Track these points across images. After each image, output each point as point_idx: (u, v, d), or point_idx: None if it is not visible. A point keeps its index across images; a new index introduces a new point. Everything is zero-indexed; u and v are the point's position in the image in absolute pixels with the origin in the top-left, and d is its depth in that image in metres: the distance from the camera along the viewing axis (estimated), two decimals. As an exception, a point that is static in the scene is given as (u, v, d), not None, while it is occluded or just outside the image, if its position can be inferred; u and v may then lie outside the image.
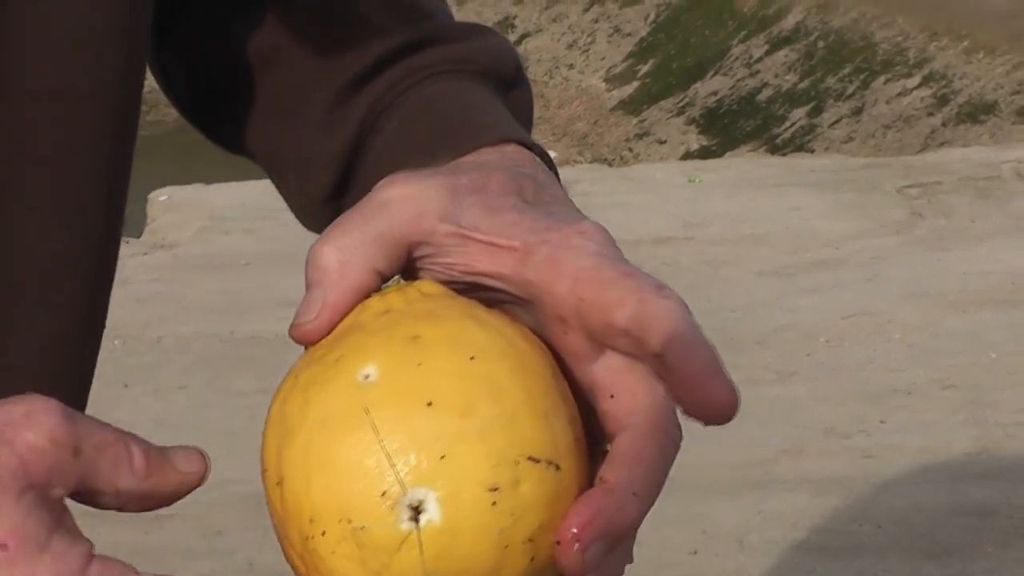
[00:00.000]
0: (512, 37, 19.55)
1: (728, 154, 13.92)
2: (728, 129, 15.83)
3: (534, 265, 0.59)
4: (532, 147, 0.69)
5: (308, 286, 0.58)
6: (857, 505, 3.61)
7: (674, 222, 6.63)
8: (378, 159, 0.74)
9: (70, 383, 0.73)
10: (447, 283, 0.60)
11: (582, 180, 7.60)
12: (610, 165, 11.57)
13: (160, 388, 4.40)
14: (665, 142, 16.14)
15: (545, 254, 0.59)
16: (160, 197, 6.87)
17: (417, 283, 0.59)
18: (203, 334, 5.04)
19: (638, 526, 0.58)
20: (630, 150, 16.17)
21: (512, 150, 0.67)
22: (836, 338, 5.04)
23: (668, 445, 0.58)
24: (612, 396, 0.58)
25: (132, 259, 6.30)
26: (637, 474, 0.57)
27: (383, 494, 0.55)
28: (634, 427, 0.57)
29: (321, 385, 0.56)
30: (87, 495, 0.56)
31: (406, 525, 0.55)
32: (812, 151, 13.43)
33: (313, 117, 0.78)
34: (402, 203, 0.59)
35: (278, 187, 0.82)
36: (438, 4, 0.81)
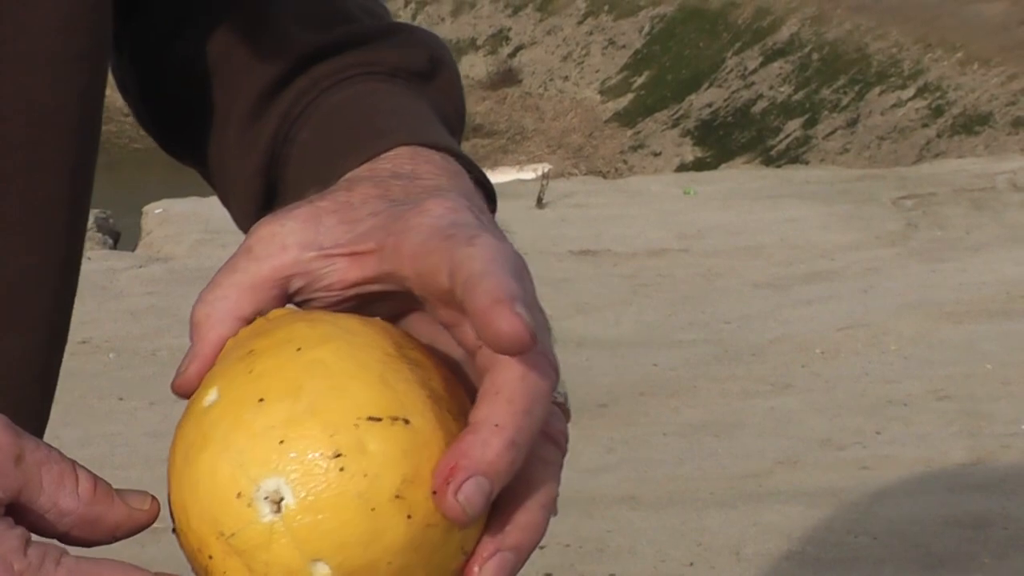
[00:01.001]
0: (507, 50, 19.57)
1: (723, 166, 13.92)
2: (723, 141, 15.85)
3: (387, 258, 0.60)
4: (428, 144, 0.69)
5: (191, 342, 0.61)
6: (852, 516, 3.61)
7: (669, 234, 6.63)
8: (296, 168, 0.75)
9: (33, 397, 0.73)
10: (334, 305, 0.62)
11: (577, 192, 7.60)
12: (605, 177, 11.58)
13: (156, 401, 4.40)
14: (660, 154, 16.15)
15: (391, 244, 0.60)
16: (155, 210, 6.87)
17: (268, 314, 0.61)
18: (198, 347, 5.04)
19: (510, 462, 0.55)
20: (625, 162, 16.17)
21: (394, 155, 0.68)
22: (831, 349, 5.04)
23: (530, 376, 0.56)
24: (480, 349, 0.58)
25: (127, 272, 6.30)
26: (497, 407, 0.56)
27: (238, 496, 0.55)
28: (494, 365, 0.57)
29: (183, 422, 0.59)
30: (27, 509, 0.56)
31: (268, 517, 0.55)
32: (807, 163, 13.44)
33: (233, 131, 0.79)
34: (263, 244, 0.61)
35: (223, 203, 0.83)
36: (366, 7, 0.82)
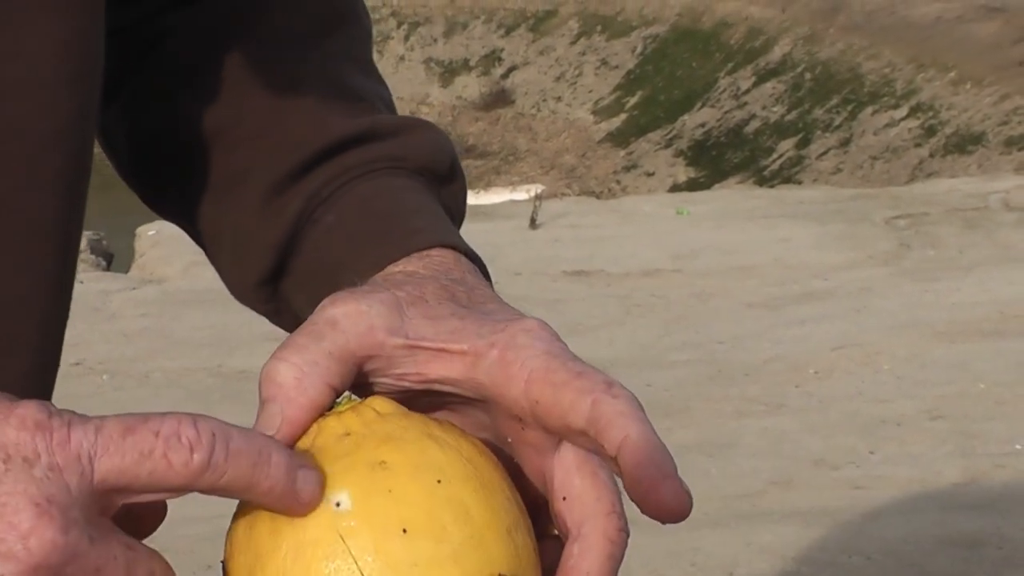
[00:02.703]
0: (499, 70, 19.61)
1: (716, 186, 13.94)
2: (716, 161, 15.88)
3: (485, 369, 0.61)
4: (460, 248, 0.71)
5: (264, 402, 0.60)
6: (846, 536, 3.61)
7: (662, 254, 6.64)
8: (315, 248, 0.76)
9: None
10: (400, 392, 0.63)
11: (570, 213, 7.61)
12: (598, 197, 11.59)
13: (149, 423, 4.40)
14: (653, 174, 16.17)
15: (494, 357, 0.61)
16: (148, 232, 6.87)
17: (370, 401, 0.61)
18: (192, 369, 5.04)
19: None
20: (618, 182, 16.20)
21: (438, 254, 0.70)
22: (825, 369, 5.05)
23: (616, 553, 0.61)
24: (564, 499, 0.61)
25: (120, 294, 6.30)
26: None
27: None
28: (584, 537, 0.60)
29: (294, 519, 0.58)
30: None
31: None
32: (800, 183, 13.47)
33: (252, 202, 0.79)
34: (351, 320, 0.61)
35: (211, 260, 0.84)
36: (381, 95, 0.84)
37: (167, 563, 0.57)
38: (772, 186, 12.68)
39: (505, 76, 19.49)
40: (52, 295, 0.74)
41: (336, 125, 0.79)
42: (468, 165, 16.17)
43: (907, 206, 7.30)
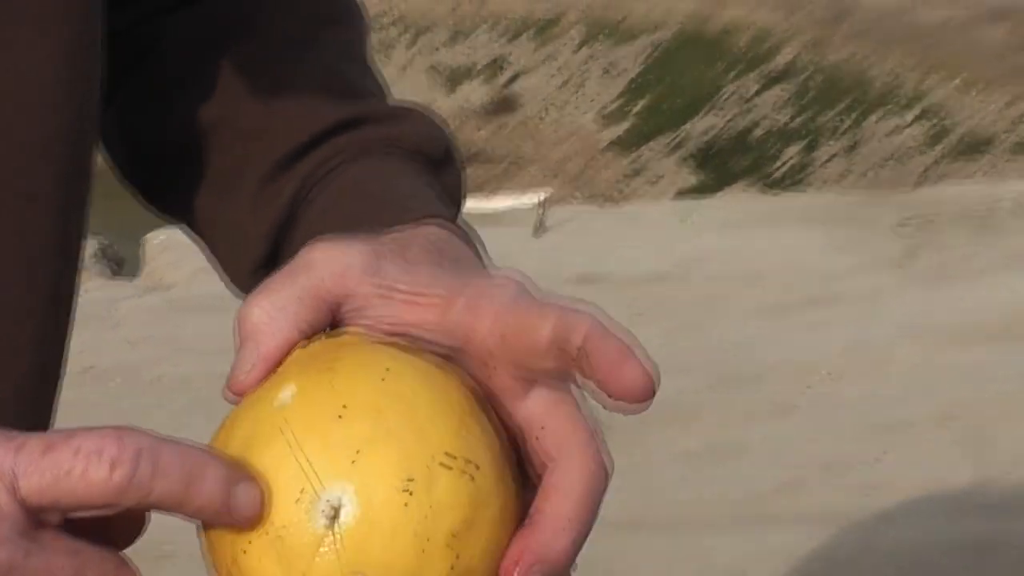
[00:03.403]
0: (503, 77, 19.62)
1: (722, 192, 13.94)
2: (721, 167, 15.88)
3: (456, 313, 0.61)
4: (453, 226, 0.72)
5: (241, 343, 0.62)
6: (857, 540, 3.60)
7: (668, 260, 6.63)
8: (308, 231, 0.76)
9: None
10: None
11: (575, 219, 7.60)
12: (603, 204, 11.59)
13: (159, 429, 4.36)
14: (658, 181, 16.18)
15: (464, 303, 0.61)
16: (156, 239, 6.86)
17: (342, 330, 0.62)
18: (200, 375, 5.03)
19: (573, 556, 0.60)
20: (623, 188, 16.20)
21: (431, 228, 0.70)
22: (834, 374, 5.04)
23: (595, 476, 0.60)
24: (540, 431, 0.60)
25: (128, 301, 6.30)
26: (567, 506, 0.59)
27: (298, 499, 0.56)
28: (561, 460, 0.60)
29: (244, 413, 0.59)
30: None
31: (321, 527, 0.55)
32: (806, 188, 13.47)
33: (247, 191, 0.80)
34: (326, 262, 0.62)
35: (210, 254, 0.84)
36: (374, 85, 0.84)
37: (123, 562, 0.56)
38: (778, 192, 12.68)
39: (510, 83, 19.50)
40: (50, 302, 0.74)
41: (329, 112, 0.80)
42: (473, 172, 16.16)
43: (915, 211, 7.28)
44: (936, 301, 5.83)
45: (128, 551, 0.57)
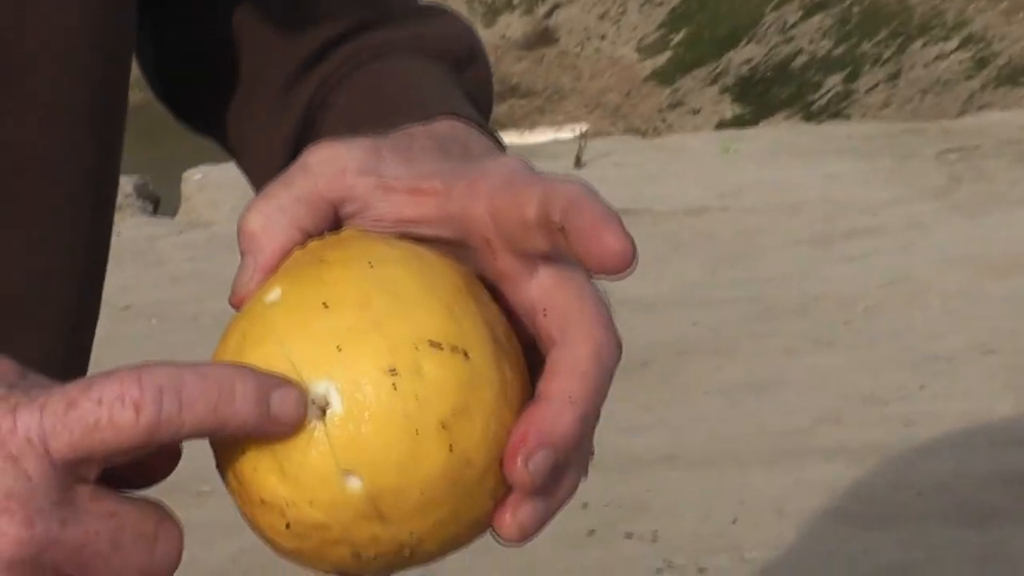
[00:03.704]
0: (543, 9, 19.51)
1: (763, 122, 13.86)
2: (762, 97, 15.77)
3: (455, 199, 0.60)
4: (471, 121, 0.70)
5: (241, 254, 0.61)
6: (896, 472, 3.60)
7: (709, 192, 6.61)
8: (327, 133, 0.75)
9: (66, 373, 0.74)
10: None
11: (615, 151, 7.58)
12: (643, 136, 11.54)
13: (198, 366, 4.42)
14: (699, 112, 16.09)
15: (462, 187, 0.60)
16: (195, 176, 6.89)
17: (340, 230, 0.61)
18: (240, 311, 5.05)
19: (581, 435, 0.57)
20: (663, 120, 16.12)
21: (447, 123, 0.68)
22: (874, 305, 5.02)
23: (602, 351, 0.57)
24: (544, 312, 0.58)
25: (167, 238, 6.32)
26: (571, 382, 0.57)
27: None
28: (567, 338, 0.57)
29: (238, 317, 0.58)
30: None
31: (312, 421, 0.55)
32: (848, 118, 13.37)
33: (268, 98, 0.79)
34: (322, 163, 0.61)
35: (241, 168, 0.84)
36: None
37: (164, 515, 0.55)
38: (820, 122, 12.59)
39: (549, 15, 19.39)
40: (88, 243, 0.74)
41: (350, 13, 0.79)
42: (512, 105, 16.12)
43: (958, 140, 7.23)
44: (977, 231, 5.79)
45: (166, 490, 0.57)
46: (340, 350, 0.55)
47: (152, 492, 0.57)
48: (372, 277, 0.57)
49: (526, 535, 0.57)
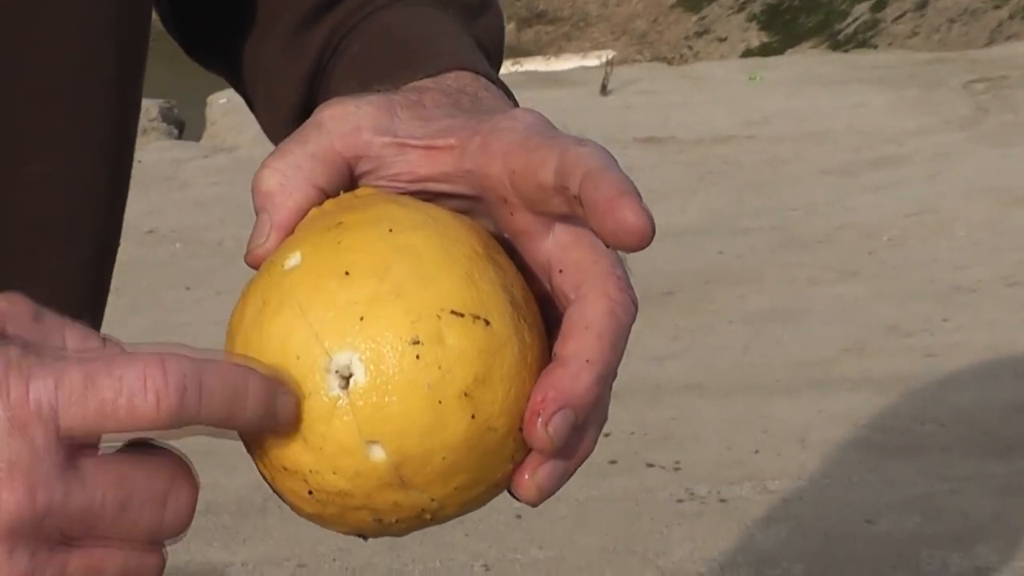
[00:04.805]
0: (570, -66, 19.34)
1: (789, 51, 13.77)
2: (789, 26, 15.66)
3: (470, 156, 0.59)
4: (483, 74, 0.69)
5: (256, 212, 0.60)
6: (919, 403, 3.60)
7: (735, 120, 6.58)
8: (340, 81, 0.75)
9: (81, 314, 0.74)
10: (396, 193, 0.62)
11: (641, 79, 7.54)
12: (669, 64, 11.48)
13: (222, 291, 4.43)
14: (725, 40, 15.99)
15: (477, 143, 0.59)
16: (219, 100, 6.87)
17: (356, 190, 0.61)
18: (264, 237, 5.06)
19: (598, 395, 0.57)
20: (690, 48, 16.03)
21: (457, 75, 0.68)
22: (899, 236, 5.01)
23: (617, 310, 0.57)
24: (560, 271, 0.58)
25: (192, 162, 6.32)
26: (587, 342, 0.57)
27: (310, 364, 0.55)
28: (581, 297, 0.57)
29: (257, 280, 0.58)
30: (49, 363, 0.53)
31: (335, 391, 0.55)
32: (875, 47, 13.27)
33: (280, 39, 0.79)
34: (336, 121, 0.61)
35: (250, 107, 0.83)
36: None
37: (178, 473, 0.54)
38: (846, 51, 12.50)
39: (575, -60, 19.24)
40: (112, 171, 0.74)
41: None
42: (538, 31, 16.03)
43: (985, 70, 7.18)
44: (1003, 162, 5.76)
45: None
46: (362, 319, 0.55)
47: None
48: (391, 243, 0.56)
49: (544, 495, 0.58)
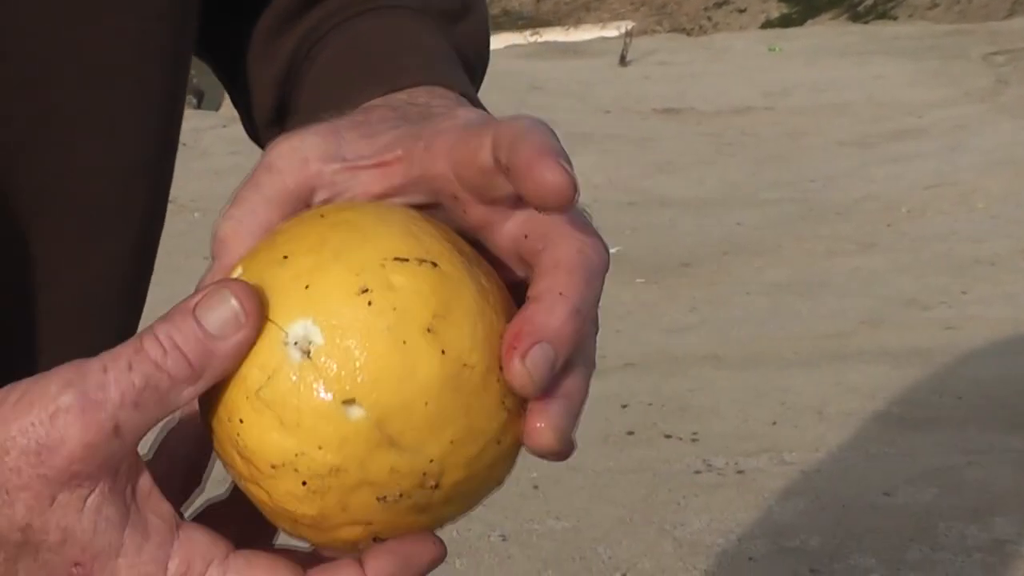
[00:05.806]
0: (590, -96, 19.26)
1: (809, 22, 13.72)
2: (809, -4, 15.60)
3: (417, 162, 0.60)
4: (445, 86, 0.69)
5: (212, 260, 0.62)
6: (937, 376, 3.60)
7: (754, 92, 6.56)
8: (310, 88, 0.76)
9: (119, 313, 0.75)
10: None
11: (660, 50, 7.52)
12: (689, 35, 11.45)
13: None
14: (745, 11, 15.94)
15: (421, 147, 0.60)
16: (238, 70, 6.88)
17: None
18: (282, 207, 5.07)
19: (577, 328, 0.55)
20: (709, 19, 15.98)
21: (409, 90, 0.68)
22: (918, 208, 4.99)
23: (586, 248, 0.56)
24: (526, 236, 0.58)
25: (211, 131, 6.33)
26: (559, 278, 0.56)
27: (268, 348, 0.55)
28: (550, 243, 0.57)
29: None
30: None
31: (298, 365, 0.54)
32: (895, 18, 13.22)
33: (257, 43, 0.80)
34: (284, 159, 0.62)
35: (235, 107, 0.84)
36: None
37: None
38: (866, 22, 12.46)
39: (595, -90, 19.15)
40: (160, 163, 0.75)
41: None
42: (558, 2, 16.00)
43: (1005, 41, 7.15)
44: (1023, 134, 5.73)
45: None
46: (308, 288, 0.55)
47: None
48: (324, 223, 0.57)
49: (562, 436, 0.56)
